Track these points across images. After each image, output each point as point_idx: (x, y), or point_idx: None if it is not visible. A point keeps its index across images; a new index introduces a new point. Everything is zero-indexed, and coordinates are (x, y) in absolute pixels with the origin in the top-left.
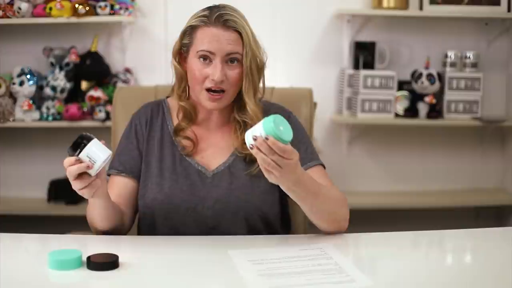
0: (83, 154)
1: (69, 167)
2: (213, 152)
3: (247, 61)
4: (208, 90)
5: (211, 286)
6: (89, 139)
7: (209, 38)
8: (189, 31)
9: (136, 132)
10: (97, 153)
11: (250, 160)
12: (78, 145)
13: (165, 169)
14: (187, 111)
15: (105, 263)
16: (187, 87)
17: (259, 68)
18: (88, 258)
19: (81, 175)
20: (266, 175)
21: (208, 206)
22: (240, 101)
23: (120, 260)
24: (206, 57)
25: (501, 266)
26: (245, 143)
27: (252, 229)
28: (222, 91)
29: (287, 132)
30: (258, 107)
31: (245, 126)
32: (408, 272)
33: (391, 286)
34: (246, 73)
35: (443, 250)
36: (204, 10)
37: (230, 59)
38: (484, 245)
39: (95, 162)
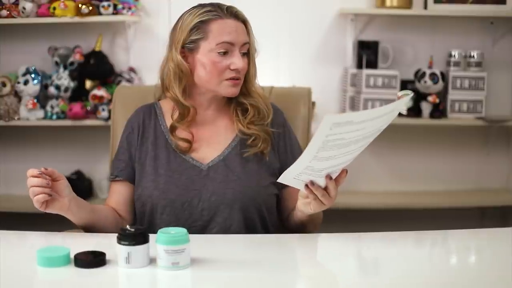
0: None
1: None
2: (208, 147)
3: (253, 49)
4: (227, 79)
5: (223, 281)
6: None
7: (229, 30)
8: (199, 26)
9: (127, 137)
10: None
11: (251, 145)
12: None
13: (159, 166)
14: (186, 110)
15: (92, 260)
16: (186, 86)
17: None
18: (76, 255)
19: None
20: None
21: (204, 199)
22: (243, 88)
23: (107, 257)
24: (225, 49)
25: (505, 266)
26: (248, 125)
27: (247, 221)
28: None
29: None
30: (264, 94)
31: (246, 109)
32: (411, 272)
33: (394, 286)
34: (252, 61)
35: (447, 250)
36: (202, 7)
37: (242, 50)
38: (488, 245)
39: None
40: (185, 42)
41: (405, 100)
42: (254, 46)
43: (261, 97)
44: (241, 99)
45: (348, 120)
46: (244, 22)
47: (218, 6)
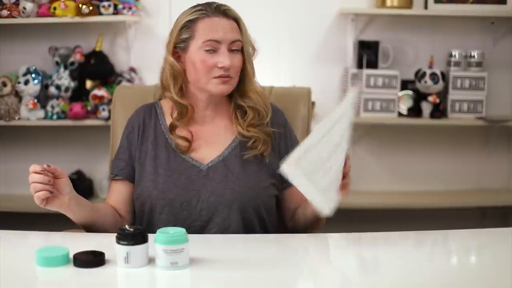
0: None
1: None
2: (208, 147)
3: (247, 47)
4: (216, 77)
5: (221, 281)
6: None
7: (215, 28)
8: (188, 25)
9: (127, 136)
10: None
11: (251, 146)
12: None
13: (159, 166)
14: (184, 109)
15: (91, 260)
16: (183, 85)
17: (253, 55)
18: (75, 255)
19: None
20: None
21: (203, 199)
22: (241, 88)
23: (106, 257)
24: (212, 47)
25: (506, 267)
26: (248, 128)
27: (246, 222)
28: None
29: None
30: (262, 91)
31: (245, 111)
32: (411, 272)
33: (394, 286)
34: (247, 59)
35: (447, 250)
36: (194, 6)
37: (232, 47)
38: (489, 246)
39: None
40: (177, 42)
41: (352, 95)
42: (251, 44)
43: (260, 95)
44: (239, 101)
45: (307, 148)
46: (236, 19)
47: (209, 4)
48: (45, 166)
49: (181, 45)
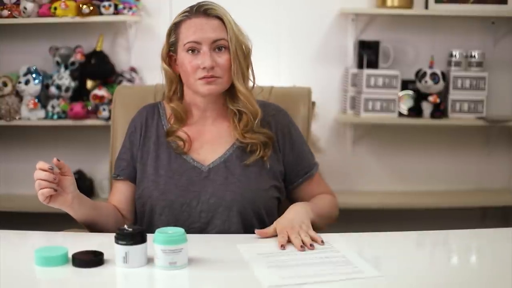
0: None
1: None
2: (209, 148)
3: (233, 46)
4: (201, 79)
5: (220, 281)
6: None
7: (194, 29)
8: (174, 29)
9: (130, 136)
10: None
11: (250, 150)
12: None
13: (160, 167)
14: (178, 113)
15: (90, 260)
16: (178, 89)
17: (246, 54)
18: (74, 255)
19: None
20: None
21: (203, 201)
22: (232, 90)
23: (105, 257)
24: (194, 49)
25: (507, 266)
26: (244, 133)
27: (246, 224)
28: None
29: None
30: (249, 92)
31: (240, 115)
32: (412, 272)
33: (395, 286)
34: (233, 57)
35: (448, 250)
36: (185, 9)
37: (217, 46)
38: (490, 246)
39: None
40: (169, 46)
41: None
42: (242, 42)
43: (245, 97)
44: (229, 103)
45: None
46: (219, 18)
47: (193, 6)
48: (54, 160)
49: (172, 49)
